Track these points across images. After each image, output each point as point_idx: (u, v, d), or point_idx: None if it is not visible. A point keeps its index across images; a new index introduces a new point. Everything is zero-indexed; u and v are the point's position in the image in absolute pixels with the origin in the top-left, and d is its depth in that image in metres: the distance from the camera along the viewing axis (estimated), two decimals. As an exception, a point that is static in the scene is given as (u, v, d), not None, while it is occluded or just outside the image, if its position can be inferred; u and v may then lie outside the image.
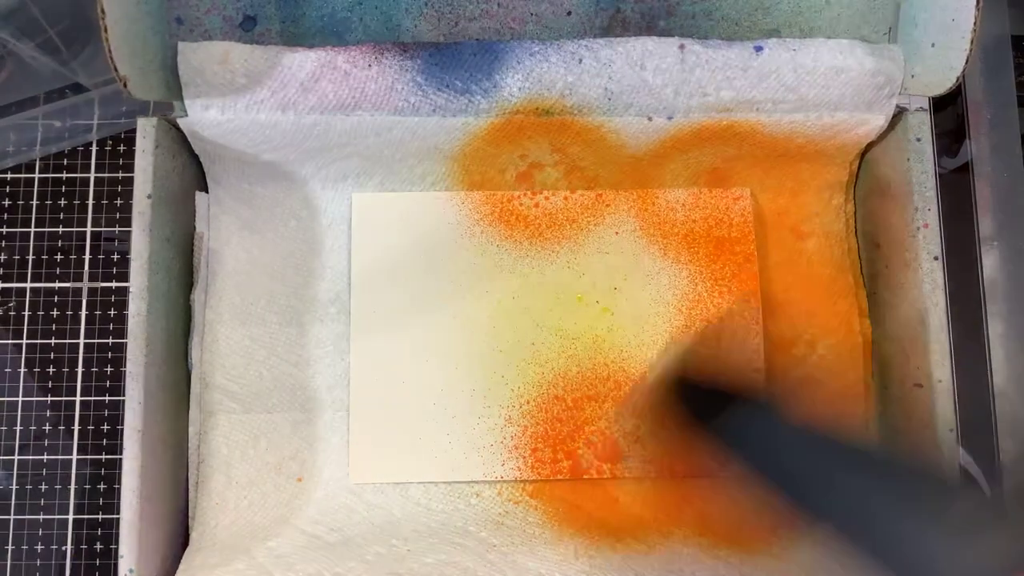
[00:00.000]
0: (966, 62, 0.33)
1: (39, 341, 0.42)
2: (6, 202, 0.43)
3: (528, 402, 0.37)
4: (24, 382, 0.41)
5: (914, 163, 0.35)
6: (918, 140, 0.35)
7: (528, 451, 0.37)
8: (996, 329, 0.42)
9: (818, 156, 0.38)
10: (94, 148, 0.43)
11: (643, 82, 0.35)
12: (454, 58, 0.35)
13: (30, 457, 0.41)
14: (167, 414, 0.35)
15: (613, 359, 0.38)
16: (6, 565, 0.40)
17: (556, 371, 0.37)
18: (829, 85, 0.35)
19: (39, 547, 0.40)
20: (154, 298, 0.34)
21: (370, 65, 0.34)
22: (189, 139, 0.36)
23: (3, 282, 0.42)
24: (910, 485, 0.25)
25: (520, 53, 0.35)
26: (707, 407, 0.31)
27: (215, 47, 0.34)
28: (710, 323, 0.38)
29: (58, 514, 0.40)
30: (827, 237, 0.39)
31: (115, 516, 0.40)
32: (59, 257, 0.42)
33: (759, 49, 0.35)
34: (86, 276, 0.42)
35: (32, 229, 0.43)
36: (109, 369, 0.41)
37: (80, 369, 0.41)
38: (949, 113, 0.43)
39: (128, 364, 0.33)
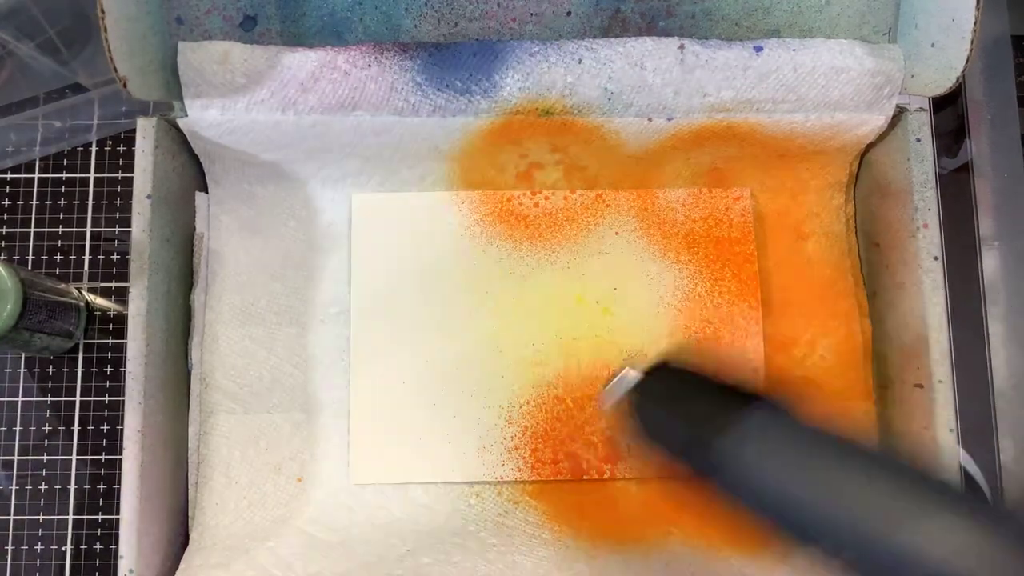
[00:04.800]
0: (966, 62, 0.33)
1: (39, 341, 0.42)
2: (6, 202, 0.43)
3: (528, 402, 0.37)
4: (24, 382, 0.41)
5: (914, 163, 0.35)
6: (918, 140, 0.35)
7: (528, 451, 0.37)
8: (996, 329, 0.42)
9: (818, 156, 0.38)
10: (94, 148, 0.43)
11: (643, 82, 0.35)
12: (454, 58, 0.35)
13: (30, 457, 0.41)
14: (167, 414, 0.35)
15: (613, 359, 0.37)
16: (6, 565, 0.40)
17: (556, 371, 0.37)
18: (829, 85, 0.35)
19: (39, 547, 0.40)
20: (154, 298, 0.34)
21: (370, 65, 0.34)
22: (189, 139, 0.36)
23: (3, 282, 0.42)
24: (913, 495, 0.23)
25: (520, 53, 0.35)
26: (688, 397, 0.27)
27: (215, 47, 0.34)
28: (710, 323, 0.38)
29: (58, 514, 0.40)
30: (827, 237, 0.39)
31: (115, 516, 0.40)
32: (59, 257, 0.42)
33: (759, 49, 0.35)
34: (86, 276, 0.42)
35: (32, 229, 0.43)
36: (109, 369, 0.41)
37: (80, 369, 0.41)
38: (949, 113, 0.44)
39: (128, 364, 0.33)
